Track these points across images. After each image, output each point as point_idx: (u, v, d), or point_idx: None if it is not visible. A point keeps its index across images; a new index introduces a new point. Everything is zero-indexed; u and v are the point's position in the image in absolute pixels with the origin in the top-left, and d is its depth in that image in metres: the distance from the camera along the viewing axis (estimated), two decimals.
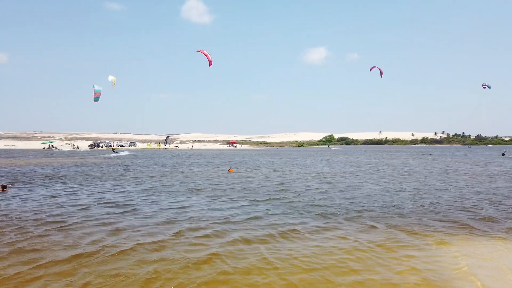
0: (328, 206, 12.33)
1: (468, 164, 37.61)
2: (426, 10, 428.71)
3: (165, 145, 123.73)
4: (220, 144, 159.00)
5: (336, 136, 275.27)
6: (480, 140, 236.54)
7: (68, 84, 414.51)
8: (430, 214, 11.03)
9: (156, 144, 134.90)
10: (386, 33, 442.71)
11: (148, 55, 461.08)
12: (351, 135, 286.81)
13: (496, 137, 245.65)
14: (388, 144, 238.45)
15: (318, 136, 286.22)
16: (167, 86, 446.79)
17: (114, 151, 78.44)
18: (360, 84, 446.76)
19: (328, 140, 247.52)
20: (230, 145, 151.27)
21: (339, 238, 8.32)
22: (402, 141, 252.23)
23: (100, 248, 7.41)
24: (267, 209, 11.77)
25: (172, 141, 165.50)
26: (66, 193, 15.41)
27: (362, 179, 21.80)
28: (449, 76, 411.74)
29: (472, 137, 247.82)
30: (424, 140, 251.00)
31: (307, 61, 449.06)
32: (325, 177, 22.77)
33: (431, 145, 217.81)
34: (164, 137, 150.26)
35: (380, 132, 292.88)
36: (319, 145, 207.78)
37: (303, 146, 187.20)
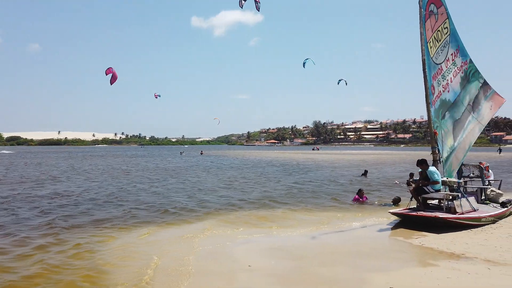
0: None
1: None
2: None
3: None
4: None
5: (5, 135, 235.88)
6: (154, 141, 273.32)
7: None
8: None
9: None
10: (69, 24, 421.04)
11: None
12: (25, 135, 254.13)
13: (166, 138, 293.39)
14: (68, 145, 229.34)
15: None
16: None
17: None
18: (40, 78, 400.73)
19: None
20: None
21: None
22: (83, 141, 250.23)
23: None
24: None
25: None
26: None
27: None
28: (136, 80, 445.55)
29: (147, 138, 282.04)
30: (105, 141, 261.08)
31: None
32: None
33: (111, 145, 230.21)
34: None
35: (59, 132, 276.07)
36: None
37: None
